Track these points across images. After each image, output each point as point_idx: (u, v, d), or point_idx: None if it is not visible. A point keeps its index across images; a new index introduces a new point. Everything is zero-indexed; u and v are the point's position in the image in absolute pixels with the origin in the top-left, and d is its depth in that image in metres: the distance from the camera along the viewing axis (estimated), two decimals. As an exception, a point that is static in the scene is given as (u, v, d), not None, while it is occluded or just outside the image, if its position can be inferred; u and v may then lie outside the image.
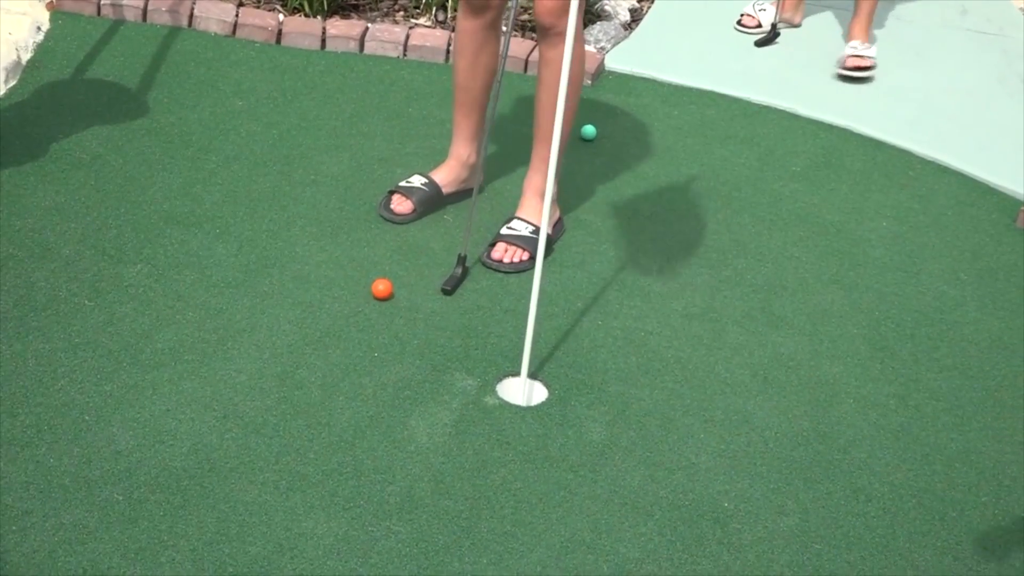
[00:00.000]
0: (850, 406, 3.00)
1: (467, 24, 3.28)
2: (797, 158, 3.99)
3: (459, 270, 3.18)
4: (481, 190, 3.53)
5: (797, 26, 4.71)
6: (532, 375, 2.93)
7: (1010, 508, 2.77)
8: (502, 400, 2.87)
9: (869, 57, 4.42)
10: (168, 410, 2.71)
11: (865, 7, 4.51)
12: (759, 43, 4.56)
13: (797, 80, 4.42)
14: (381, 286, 3.11)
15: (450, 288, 3.15)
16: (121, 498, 2.48)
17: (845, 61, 4.43)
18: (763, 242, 3.56)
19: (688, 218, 3.62)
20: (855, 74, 4.41)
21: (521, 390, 2.89)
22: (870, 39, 4.51)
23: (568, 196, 3.43)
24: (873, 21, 4.55)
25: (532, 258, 3.14)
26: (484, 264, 3.25)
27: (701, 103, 4.22)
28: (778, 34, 4.59)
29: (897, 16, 5.00)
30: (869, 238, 3.64)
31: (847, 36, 4.56)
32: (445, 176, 3.45)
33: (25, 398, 2.68)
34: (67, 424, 2.64)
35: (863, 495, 2.75)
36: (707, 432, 2.86)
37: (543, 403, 2.89)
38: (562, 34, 3.08)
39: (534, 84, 3.30)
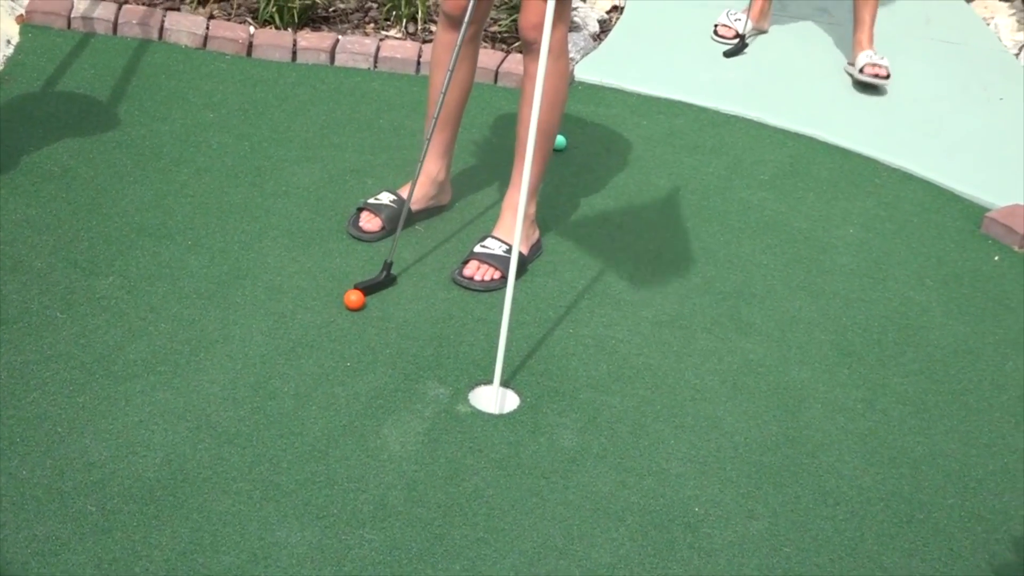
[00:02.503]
0: (818, 411, 3.04)
1: (446, 37, 3.29)
2: (765, 167, 4.03)
3: (382, 275, 3.20)
4: (449, 206, 3.55)
5: (765, 32, 4.76)
6: (504, 383, 2.95)
7: (976, 510, 2.81)
8: (474, 408, 2.89)
9: (885, 67, 4.48)
10: (141, 421, 2.72)
11: (867, 15, 4.54)
12: (727, 54, 4.61)
13: (765, 89, 4.47)
14: (353, 296, 3.12)
15: (363, 287, 3.16)
16: (94, 509, 2.49)
17: (864, 69, 4.47)
18: (732, 250, 3.60)
19: (658, 227, 3.65)
20: (875, 81, 4.45)
21: (493, 398, 2.91)
22: (877, 50, 4.56)
23: (539, 205, 3.45)
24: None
25: (504, 277, 3.16)
26: (455, 281, 3.26)
27: (670, 113, 4.25)
28: (746, 45, 4.64)
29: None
30: (836, 245, 3.69)
31: (854, 46, 4.58)
32: (414, 193, 3.45)
33: (-3, 411, 2.69)
34: (40, 436, 2.64)
35: (831, 498, 2.78)
36: (677, 438, 2.89)
37: (515, 411, 2.91)
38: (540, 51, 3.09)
39: (507, 96, 3.33)
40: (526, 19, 3.15)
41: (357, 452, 2.72)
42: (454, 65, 3.18)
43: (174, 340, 2.96)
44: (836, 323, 3.35)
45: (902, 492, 2.83)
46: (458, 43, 3.15)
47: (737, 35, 4.71)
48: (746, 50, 4.63)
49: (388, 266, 3.21)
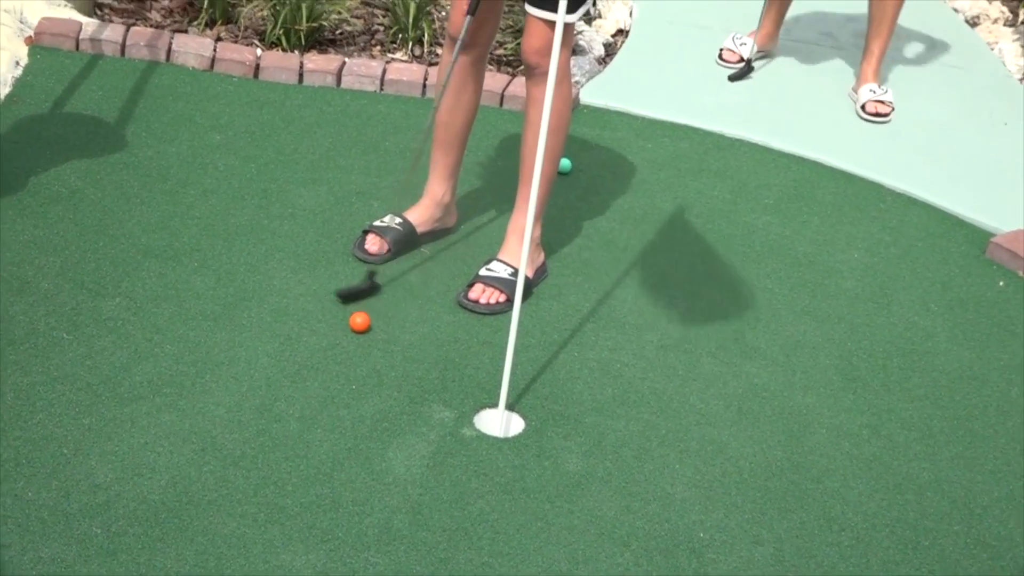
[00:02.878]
0: (823, 436, 3.04)
1: (455, 51, 3.30)
2: (770, 190, 4.04)
3: (366, 284, 3.23)
4: (455, 229, 3.56)
5: (771, 56, 4.76)
6: (509, 407, 2.95)
7: (982, 536, 2.81)
8: (479, 431, 2.90)
9: (888, 103, 4.49)
10: (146, 443, 2.72)
11: (877, 48, 4.54)
12: (732, 78, 4.62)
13: (769, 113, 4.48)
14: (359, 319, 3.13)
15: (343, 294, 3.19)
16: (100, 531, 2.49)
17: (865, 106, 4.49)
18: (736, 273, 3.60)
19: (662, 250, 3.66)
20: (877, 120, 4.47)
21: (498, 421, 2.92)
22: (881, 79, 4.57)
23: (544, 228, 3.46)
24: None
25: (509, 300, 3.16)
26: (460, 304, 3.27)
27: (675, 136, 4.27)
28: (751, 69, 4.65)
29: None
30: (841, 269, 3.69)
31: (859, 75, 4.59)
32: (419, 215, 3.46)
33: (3, 432, 2.69)
34: (45, 458, 2.64)
35: (837, 524, 2.78)
36: (682, 463, 2.89)
37: (520, 434, 2.91)
38: (544, 75, 3.11)
39: (512, 119, 3.35)
40: (529, 44, 3.16)
41: (362, 475, 2.72)
42: (447, 81, 3.20)
43: (180, 362, 2.96)
44: (841, 348, 3.36)
45: (907, 518, 2.83)
46: (452, 61, 3.16)
47: (741, 59, 4.73)
48: (751, 74, 4.64)
49: (372, 275, 3.23)
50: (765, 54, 4.78)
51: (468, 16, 3.08)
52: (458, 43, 3.14)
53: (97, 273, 3.20)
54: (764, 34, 4.74)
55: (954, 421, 3.15)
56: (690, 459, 2.91)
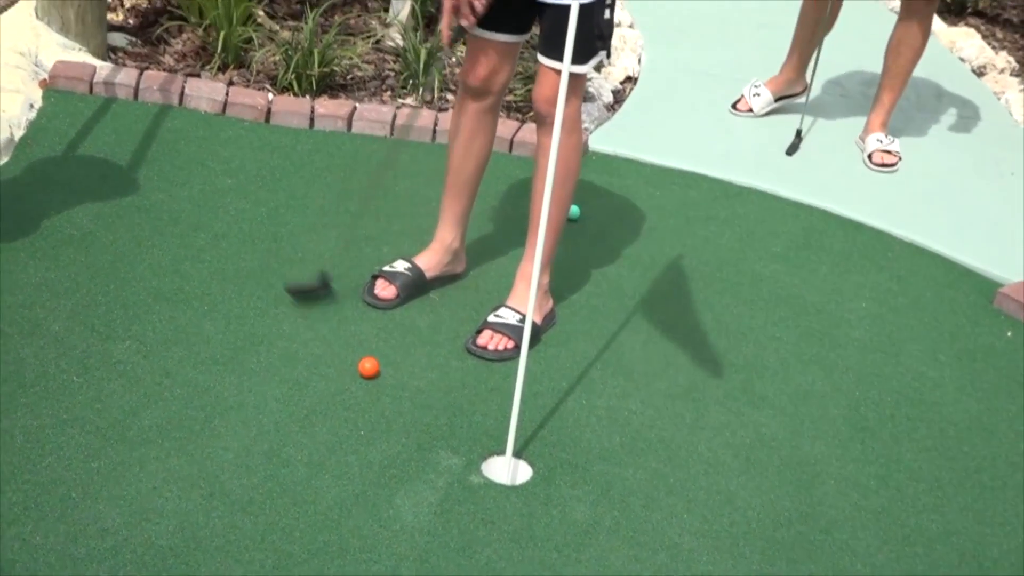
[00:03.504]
0: (832, 486, 3.03)
1: (465, 106, 3.33)
2: (778, 239, 4.05)
3: (317, 283, 3.29)
4: (464, 275, 3.57)
5: (798, 95, 4.76)
6: (517, 454, 2.95)
7: (990, 589, 2.80)
8: (487, 479, 2.89)
9: (896, 153, 4.52)
10: (155, 488, 2.72)
11: (888, 100, 4.57)
12: (788, 152, 4.57)
13: (778, 161, 4.50)
14: (367, 364, 3.14)
15: (292, 291, 3.26)
16: (107, 577, 2.49)
17: (872, 156, 4.51)
18: (744, 322, 3.61)
19: (670, 298, 3.67)
20: (883, 170, 4.49)
21: (506, 469, 2.92)
22: (888, 129, 4.60)
23: (553, 275, 3.47)
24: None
25: (517, 347, 3.16)
26: (468, 350, 3.28)
27: (683, 184, 4.29)
28: (801, 140, 4.62)
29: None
30: (849, 319, 3.70)
31: (866, 127, 4.62)
32: (428, 260, 3.48)
33: (12, 475, 2.69)
34: (53, 501, 2.65)
35: (845, 576, 2.77)
36: (690, 512, 2.89)
37: (528, 482, 2.91)
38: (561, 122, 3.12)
39: (521, 165, 3.37)
40: (540, 92, 3.18)
41: (369, 522, 2.72)
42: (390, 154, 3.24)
43: (189, 406, 2.97)
44: (849, 397, 3.36)
45: (916, 571, 2.82)
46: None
47: (750, 109, 4.75)
48: (800, 146, 4.61)
49: (325, 277, 3.28)
50: (791, 94, 4.78)
51: (447, 46, 3.13)
52: (430, 76, 3.17)
53: (108, 316, 3.22)
54: (782, 79, 4.76)
55: (963, 473, 3.15)
56: (698, 508, 2.90)
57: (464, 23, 3.05)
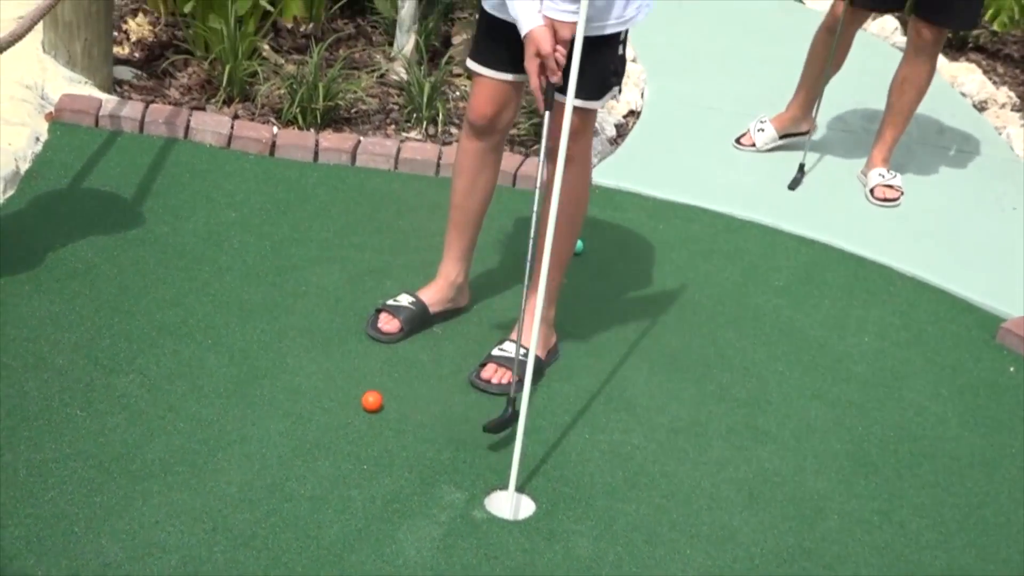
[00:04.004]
0: (835, 522, 3.03)
1: (469, 144, 3.34)
2: (780, 273, 4.06)
3: (508, 412, 3.04)
4: (467, 308, 3.57)
5: (806, 134, 4.77)
6: (520, 488, 2.95)
7: (994, 627, 2.79)
8: (490, 514, 2.89)
9: (898, 188, 4.54)
10: (158, 522, 2.72)
11: (890, 136, 4.59)
12: (791, 186, 4.59)
13: (780, 196, 4.52)
14: (371, 398, 3.14)
15: (491, 429, 3.04)
16: (109, 612, 2.48)
17: (874, 191, 4.53)
18: (747, 356, 3.61)
19: (673, 332, 3.67)
20: (885, 204, 4.51)
21: (509, 504, 2.91)
22: (890, 164, 4.61)
23: (557, 309, 3.48)
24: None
25: (520, 381, 3.17)
26: (472, 384, 3.28)
27: (686, 218, 4.30)
28: (804, 174, 4.64)
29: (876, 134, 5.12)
30: (851, 353, 3.70)
31: (869, 162, 4.64)
32: (433, 295, 3.48)
33: (15, 508, 2.69)
34: (56, 535, 2.65)
35: (848, 613, 2.77)
36: (693, 548, 2.88)
37: (530, 517, 2.91)
38: (571, 160, 3.12)
39: (525, 199, 3.38)
40: (553, 127, 3.17)
41: (372, 557, 2.72)
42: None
43: (192, 440, 2.97)
44: (852, 433, 3.36)
45: (920, 608, 2.81)
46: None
47: (753, 144, 4.78)
48: (803, 180, 4.63)
49: (512, 402, 3.04)
50: (797, 133, 4.79)
51: (547, 112, 3.02)
52: (544, 144, 3.06)
53: (112, 349, 3.22)
54: (787, 117, 4.77)
55: (966, 508, 3.14)
56: (701, 544, 2.90)
57: (553, 79, 2.99)
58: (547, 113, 3.01)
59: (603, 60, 3.06)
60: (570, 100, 2.92)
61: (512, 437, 2.95)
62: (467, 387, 3.29)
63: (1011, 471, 3.30)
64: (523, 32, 2.96)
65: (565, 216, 3.11)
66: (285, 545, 2.71)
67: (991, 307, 4.02)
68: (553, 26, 2.94)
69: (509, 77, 3.20)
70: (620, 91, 3.27)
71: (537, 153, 4.36)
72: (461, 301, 3.57)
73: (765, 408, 3.40)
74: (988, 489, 3.22)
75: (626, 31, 3.12)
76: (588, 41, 2.92)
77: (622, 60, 3.17)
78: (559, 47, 2.95)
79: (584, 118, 3.12)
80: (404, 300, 3.47)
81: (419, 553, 2.74)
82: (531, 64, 2.99)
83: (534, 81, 3.01)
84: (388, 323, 3.43)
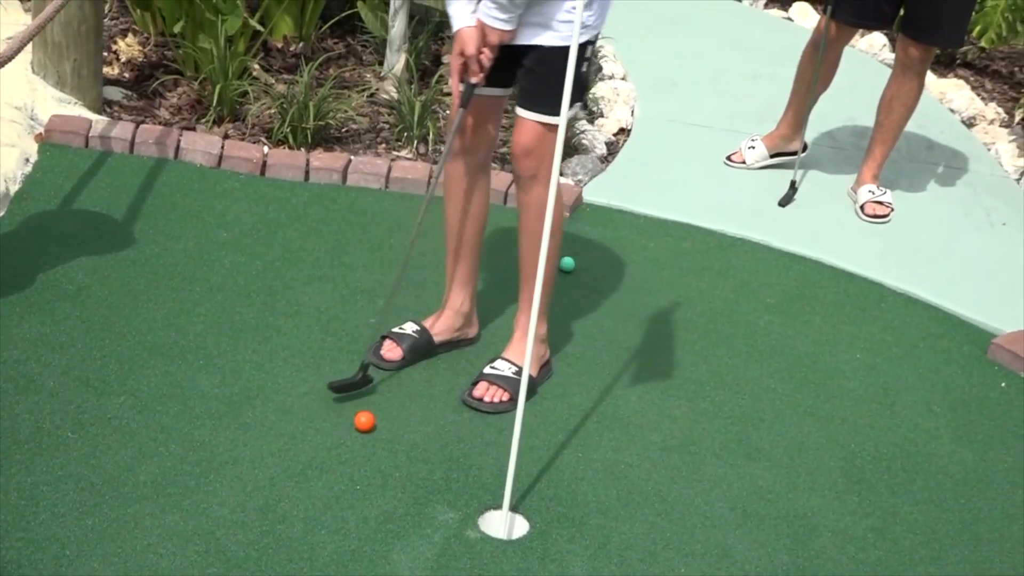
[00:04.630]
0: (829, 539, 3.03)
1: (454, 168, 3.33)
2: (771, 290, 4.06)
3: (358, 376, 3.23)
4: (476, 340, 3.56)
5: (795, 154, 4.78)
6: (513, 508, 2.94)
7: (989, 644, 2.79)
8: (484, 534, 2.89)
9: (888, 204, 4.55)
10: (150, 545, 2.71)
11: (879, 153, 4.60)
12: (781, 203, 4.60)
13: (770, 213, 4.53)
14: (363, 418, 3.13)
15: (336, 388, 3.20)
16: (101, 635, 2.47)
17: (864, 207, 4.54)
18: (739, 373, 3.61)
19: (665, 349, 3.67)
20: (875, 221, 4.52)
21: (503, 523, 2.91)
22: (880, 180, 4.63)
23: (549, 327, 3.47)
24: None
25: (513, 399, 3.16)
26: (464, 402, 3.27)
27: (677, 235, 4.30)
28: (796, 191, 4.65)
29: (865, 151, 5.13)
30: (843, 370, 3.70)
31: (858, 178, 4.65)
32: (438, 325, 3.45)
33: (6, 532, 2.68)
34: (47, 559, 2.63)
35: (844, 631, 2.76)
36: (688, 566, 2.88)
37: (524, 536, 2.90)
38: (535, 178, 3.15)
39: (513, 216, 3.37)
40: (516, 142, 3.16)
41: (366, 578, 2.71)
42: (434, 183, 3.22)
43: (184, 461, 2.96)
44: (845, 449, 3.36)
45: (915, 625, 2.81)
46: (442, 159, 3.19)
47: (743, 161, 4.79)
48: (795, 197, 4.64)
49: (364, 367, 3.23)
50: (785, 152, 4.79)
51: (461, 108, 3.13)
52: (451, 136, 3.18)
53: (103, 371, 3.21)
54: (777, 135, 4.78)
55: (959, 525, 3.14)
56: (695, 562, 2.89)
57: (473, 80, 3.07)
58: (461, 110, 3.12)
59: (564, 75, 3.06)
60: (563, 119, 2.92)
61: (506, 455, 2.94)
62: (460, 406, 3.28)
63: (1004, 487, 3.30)
64: (454, 29, 3.05)
65: (536, 236, 3.05)
66: (279, 567, 2.70)
67: (982, 323, 4.03)
68: (483, 29, 2.99)
69: (489, 92, 3.20)
70: (585, 106, 3.29)
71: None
72: (469, 332, 3.53)
73: (758, 425, 3.40)
74: (981, 505, 3.22)
75: (591, 47, 3.12)
76: (549, 52, 2.95)
77: (585, 76, 3.18)
78: (485, 50, 3.03)
79: (549, 133, 3.11)
80: (409, 328, 3.45)
81: (413, 573, 2.73)
82: (455, 62, 3.08)
83: (454, 79, 3.11)
84: (391, 351, 3.40)
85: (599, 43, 4.66)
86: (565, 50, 2.82)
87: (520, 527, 2.93)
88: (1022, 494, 3.28)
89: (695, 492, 3.12)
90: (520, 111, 3.16)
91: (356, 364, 3.35)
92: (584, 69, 3.13)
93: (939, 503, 3.21)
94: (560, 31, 3.02)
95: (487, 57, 3.04)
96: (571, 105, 3.14)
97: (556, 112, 3.04)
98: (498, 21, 2.98)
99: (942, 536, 3.09)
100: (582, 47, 3.07)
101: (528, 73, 3.12)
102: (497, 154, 4.55)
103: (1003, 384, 3.74)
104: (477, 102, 3.21)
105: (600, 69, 5.31)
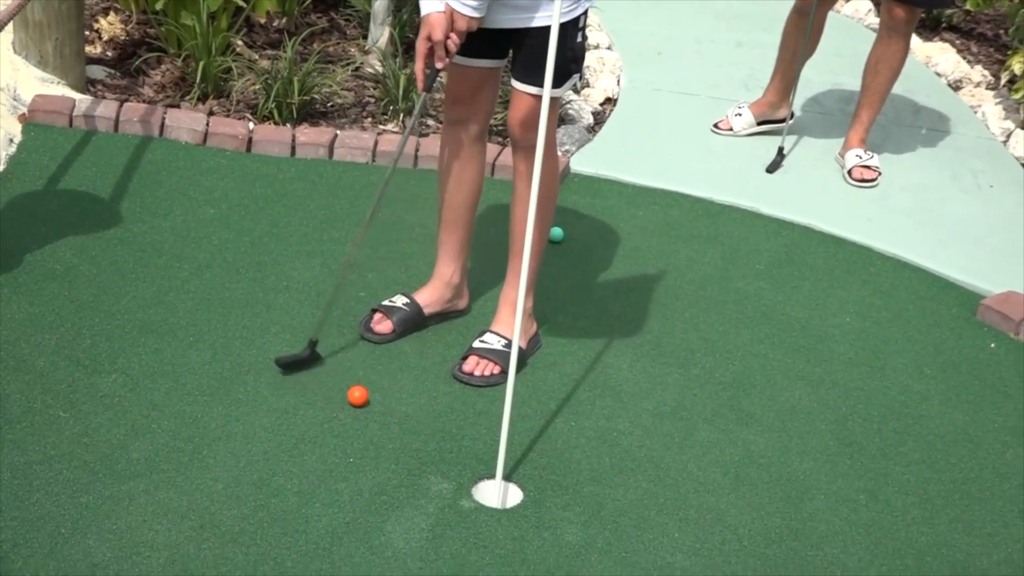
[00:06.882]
0: (821, 502, 3.04)
1: (450, 138, 3.32)
2: (760, 256, 4.07)
3: (306, 352, 3.22)
4: (466, 311, 3.55)
5: (783, 121, 4.77)
6: (507, 477, 2.95)
7: (982, 601, 2.80)
8: (478, 503, 2.89)
9: (875, 168, 4.55)
10: (144, 521, 2.71)
11: (866, 117, 4.59)
12: (769, 169, 4.60)
13: (759, 179, 4.53)
14: (357, 392, 3.13)
15: (284, 362, 3.20)
16: (98, 612, 2.47)
17: (852, 172, 4.54)
18: (730, 340, 3.62)
19: (656, 317, 3.68)
20: (863, 186, 4.52)
21: (496, 492, 2.91)
22: (867, 144, 4.62)
23: (537, 298, 3.48)
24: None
25: (503, 372, 3.16)
26: (455, 377, 3.27)
27: (665, 203, 4.30)
28: (783, 156, 4.64)
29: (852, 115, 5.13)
30: (833, 334, 3.71)
31: (846, 143, 4.64)
32: (428, 296, 3.45)
33: (1, 512, 2.67)
34: (43, 537, 2.63)
35: (838, 591, 2.78)
36: (682, 531, 2.89)
37: (518, 505, 2.91)
38: (530, 148, 3.14)
39: (503, 188, 3.37)
40: (514, 116, 3.18)
41: (361, 550, 2.71)
42: (398, 155, 3.21)
43: (177, 438, 2.96)
44: (836, 413, 3.37)
45: (908, 584, 2.83)
46: (403, 139, 3.18)
47: (731, 128, 4.78)
48: (783, 163, 4.63)
49: (313, 344, 3.23)
50: (773, 119, 4.78)
51: (424, 93, 3.11)
52: (412, 121, 3.17)
53: (93, 350, 3.21)
54: (764, 102, 4.77)
55: (951, 485, 3.16)
56: (689, 527, 2.90)
57: (438, 65, 3.05)
58: (424, 95, 3.10)
59: (562, 48, 3.05)
60: (547, 91, 2.91)
61: (498, 426, 2.94)
62: (451, 378, 3.28)
63: (995, 446, 3.32)
64: (422, 13, 3.02)
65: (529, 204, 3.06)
66: (273, 540, 2.71)
67: (970, 285, 4.04)
68: (452, 15, 2.97)
69: (483, 63, 3.19)
70: (581, 78, 3.27)
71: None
72: (460, 303, 3.53)
73: (749, 391, 3.41)
74: (972, 465, 3.24)
75: (584, 18, 3.11)
76: (545, 29, 2.93)
77: (581, 47, 3.16)
78: (453, 35, 3.00)
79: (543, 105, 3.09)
80: (399, 301, 3.44)
81: (408, 544, 2.74)
82: (421, 45, 3.05)
83: (419, 64, 3.07)
84: (381, 323, 3.40)
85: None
86: (559, 25, 2.82)
87: (514, 496, 2.93)
88: (1012, 453, 3.29)
89: (688, 458, 3.13)
90: (516, 84, 3.15)
91: (346, 337, 3.35)
92: (579, 39, 3.12)
93: (930, 464, 3.22)
94: (550, 11, 2.99)
95: (454, 43, 3.02)
96: (568, 77, 3.15)
97: (555, 85, 3.03)
98: (467, 7, 2.95)
99: (934, 496, 3.11)
100: (576, 19, 3.07)
101: (523, 46, 3.11)
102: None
103: (992, 345, 3.76)
104: (472, 73, 3.20)
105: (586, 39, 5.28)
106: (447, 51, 3.02)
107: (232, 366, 3.22)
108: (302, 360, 3.22)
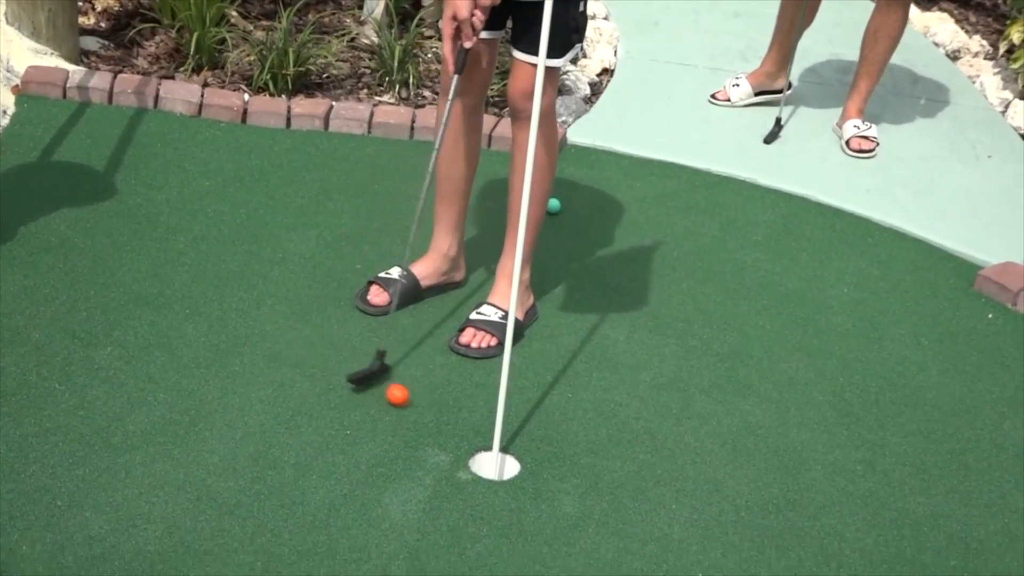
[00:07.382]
0: (818, 472, 3.04)
1: (446, 109, 3.31)
2: (758, 227, 4.05)
3: (376, 365, 3.11)
4: (463, 283, 3.53)
5: (781, 92, 4.74)
6: (504, 449, 2.95)
7: (978, 571, 2.81)
8: (475, 475, 2.89)
9: (873, 138, 4.53)
10: (141, 493, 2.71)
11: (864, 87, 4.57)
12: (766, 140, 4.58)
13: (756, 150, 4.51)
14: (397, 392, 3.04)
15: (355, 380, 3.07)
16: (95, 584, 2.47)
17: (850, 142, 4.52)
18: (727, 311, 3.61)
19: (653, 289, 3.67)
20: (860, 156, 4.50)
21: (494, 464, 2.91)
22: (865, 115, 4.60)
23: (534, 269, 3.47)
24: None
25: (500, 344, 3.15)
26: (452, 349, 3.27)
27: (662, 174, 4.28)
28: (781, 127, 4.62)
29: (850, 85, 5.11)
30: (831, 305, 3.71)
31: (843, 113, 4.62)
32: (424, 268, 3.43)
33: (-4, 485, 2.68)
34: (39, 510, 2.63)
35: (835, 562, 2.78)
36: (679, 502, 2.89)
37: (515, 477, 2.91)
38: (529, 119, 3.11)
39: (499, 160, 3.36)
40: (514, 86, 3.16)
41: (359, 522, 2.71)
42: (442, 135, 3.17)
43: (173, 410, 2.95)
44: (833, 383, 3.37)
45: (904, 554, 2.83)
46: (443, 123, 3.14)
47: (728, 99, 4.76)
48: (781, 134, 4.62)
49: (381, 355, 3.12)
50: (770, 90, 4.76)
51: (456, 75, 3.06)
52: (449, 103, 3.10)
53: (88, 322, 3.19)
54: (762, 72, 4.75)
55: (948, 455, 3.16)
56: (687, 498, 2.90)
57: (467, 44, 2.99)
58: (456, 77, 3.03)
59: (564, 18, 3.03)
60: (542, 60, 2.89)
61: (494, 398, 2.94)
62: (448, 350, 3.28)
63: (992, 417, 3.32)
64: None
65: (534, 177, 3.04)
66: (270, 512, 2.71)
67: (968, 255, 4.03)
68: None
69: (482, 34, 3.17)
70: (583, 48, 3.24)
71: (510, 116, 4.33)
72: (456, 276, 3.52)
73: (747, 362, 3.41)
74: (969, 435, 3.24)
75: None
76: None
77: (583, 16, 3.14)
78: (477, 12, 2.95)
79: (547, 76, 3.08)
80: (395, 273, 3.42)
81: (405, 516, 2.74)
82: (447, 27, 2.99)
83: (447, 45, 3.01)
84: (377, 296, 3.39)
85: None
86: None
87: (511, 468, 2.93)
88: (1010, 423, 3.30)
89: (685, 429, 3.13)
90: (517, 54, 3.13)
91: (343, 310, 3.34)
92: (581, 9, 3.10)
93: (927, 434, 3.22)
94: None
95: (479, 19, 2.98)
96: (570, 47, 3.12)
97: (554, 55, 3.01)
98: None
99: (931, 466, 3.11)
100: None
101: (524, 18, 3.08)
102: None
103: (990, 316, 3.75)
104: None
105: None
106: (474, 28, 2.97)
107: (228, 338, 3.21)
108: (374, 373, 3.10)
